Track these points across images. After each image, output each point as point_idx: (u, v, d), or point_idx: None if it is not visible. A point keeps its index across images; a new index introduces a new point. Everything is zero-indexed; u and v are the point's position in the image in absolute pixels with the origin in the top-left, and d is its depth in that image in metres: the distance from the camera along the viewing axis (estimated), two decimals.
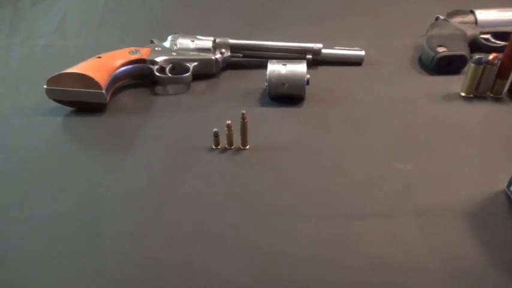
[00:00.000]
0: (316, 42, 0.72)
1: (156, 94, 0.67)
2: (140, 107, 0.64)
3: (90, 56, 0.67)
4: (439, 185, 0.48)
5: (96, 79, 0.60)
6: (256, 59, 0.73)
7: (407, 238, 0.42)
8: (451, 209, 0.45)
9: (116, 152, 0.56)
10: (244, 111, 0.52)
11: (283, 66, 0.62)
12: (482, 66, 0.61)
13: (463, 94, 0.64)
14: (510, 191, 0.46)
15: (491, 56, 0.60)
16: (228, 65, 0.73)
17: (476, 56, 0.60)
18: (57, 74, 0.60)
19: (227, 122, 0.52)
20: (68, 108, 0.63)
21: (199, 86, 0.69)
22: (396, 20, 0.86)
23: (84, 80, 0.60)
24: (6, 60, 0.80)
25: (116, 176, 0.52)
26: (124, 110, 0.64)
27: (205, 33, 0.73)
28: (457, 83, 0.65)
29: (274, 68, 0.62)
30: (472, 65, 0.61)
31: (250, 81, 0.69)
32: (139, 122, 0.61)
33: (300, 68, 0.62)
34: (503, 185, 0.47)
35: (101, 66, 0.63)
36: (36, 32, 0.90)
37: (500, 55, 0.61)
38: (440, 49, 0.69)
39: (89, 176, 0.52)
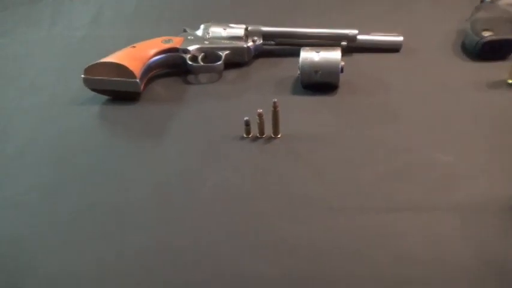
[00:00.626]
0: (351, 29, 0.70)
1: (188, 83, 0.68)
2: (173, 96, 0.65)
3: (125, 46, 0.68)
4: (480, 178, 0.46)
5: (131, 68, 0.61)
6: (289, 46, 0.72)
7: (444, 233, 0.40)
8: (492, 204, 0.42)
9: (148, 141, 0.57)
10: (275, 100, 0.51)
11: (317, 53, 0.60)
12: None
13: (510, 81, 0.60)
14: None
15: None
16: (261, 53, 0.72)
17: None
18: (93, 63, 0.61)
19: (258, 110, 0.52)
20: (105, 97, 0.65)
21: (231, 74, 0.69)
22: (437, 3, 0.81)
23: (119, 69, 0.61)
24: (46, 52, 0.82)
25: (148, 164, 0.52)
26: (157, 98, 0.65)
27: (238, 21, 0.72)
28: (503, 70, 0.61)
29: (307, 55, 0.61)
30: None
31: (283, 70, 0.68)
32: (171, 111, 0.61)
33: (334, 55, 0.60)
34: None
35: (135, 56, 0.63)
36: (74, 24, 0.93)
37: None
38: (486, 33, 0.65)
39: (122, 165, 0.53)
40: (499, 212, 0.41)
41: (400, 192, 0.45)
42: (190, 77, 0.68)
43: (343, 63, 0.60)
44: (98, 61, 0.62)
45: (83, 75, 0.62)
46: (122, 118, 0.61)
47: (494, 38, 0.64)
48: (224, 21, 0.72)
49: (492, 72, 0.62)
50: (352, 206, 0.44)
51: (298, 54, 0.62)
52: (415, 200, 0.44)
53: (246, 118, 0.53)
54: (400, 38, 0.70)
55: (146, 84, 0.66)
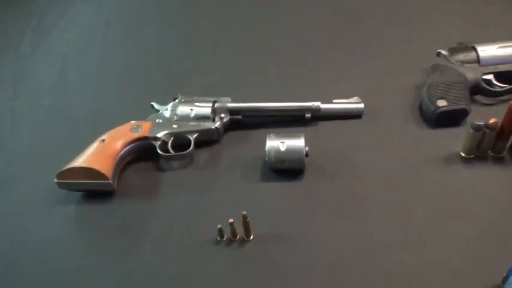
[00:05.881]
0: (314, 101, 0.72)
1: (160, 169, 0.69)
2: (146, 187, 0.67)
3: (93, 116, 0.77)
4: (436, 276, 0.51)
5: (103, 171, 0.62)
6: (256, 118, 0.74)
7: None
8: None
9: (123, 247, 0.59)
10: (245, 212, 0.54)
11: (282, 143, 0.63)
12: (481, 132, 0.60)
13: (463, 154, 0.64)
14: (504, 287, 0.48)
15: (491, 121, 0.60)
16: (230, 126, 0.73)
17: (475, 123, 0.60)
18: (65, 168, 0.63)
19: (230, 220, 0.55)
20: (78, 194, 0.66)
21: (202, 155, 0.70)
22: (396, 55, 0.83)
23: (90, 171, 0.62)
24: (14, 129, 0.81)
25: (121, 276, 0.56)
26: (131, 192, 0.66)
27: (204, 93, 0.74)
28: (458, 138, 0.65)
29: (273, 144, 0.63)
30: (471, 130, 0.61)
31: (252, 146, 0.70)
32: (146, 208, 0.63)
33: (298, 142, 0.63)
34: (498, 279, 0.48)
35: (106, 153, 0.65)
36: (38, 86, 0.91)
37: (499, 120, 0.60)
38: (441, 102, 0.68)
39: (97, 274, 0.56)
40: None
41: None
42: (162, 162, 0.70)
43: (307, 148, 0.63)
44: (69, 166, 0.63)
45: (55, 180, 0.63)
46: (97, 220, 0.63)
47: (448, 108, 0.67)
48: (190, 97, 0.73)
49: (447, 140, 0.66)
50: None
51: (265, 126, 0.67)
52: None
53: (219, 226, 0.56)
54: (361, 105, 0.72)
55: (120, 174, 0.68)
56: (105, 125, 0.73)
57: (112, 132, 0.69)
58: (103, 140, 0.67)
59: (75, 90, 0.88)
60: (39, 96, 0.88)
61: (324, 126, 0.73)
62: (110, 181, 0.63)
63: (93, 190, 0.64)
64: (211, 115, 0.71)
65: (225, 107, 0.72)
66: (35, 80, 0.93)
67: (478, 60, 0.73)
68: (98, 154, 0.64)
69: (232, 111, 0.72)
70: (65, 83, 0.91)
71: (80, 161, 0.63)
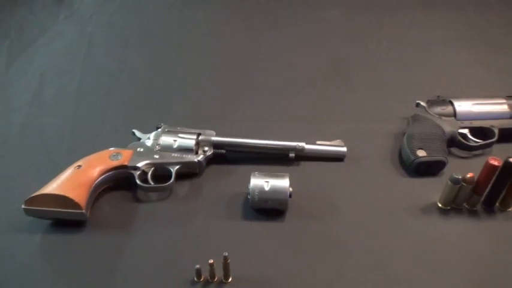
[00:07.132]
0: (298, 141, 0.72)
1: (137, 200, 0.66)
2: (121, 218, 0.63)
3: (68, 138, 0.74)
4: None
5: (76, 200, 0.59)
6: (239, 153, 0.73)
7: None
8: None
9: (92, 283, 0.55)
10: (226, 254, 0.52)
11: (266, 183, 0.62)
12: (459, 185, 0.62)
13: (440, 205, 0.66)
14: None
15: (468, 175, 0.62)
16: (212, 159, 0.72)
17: (454, 176, 0.62)
18: (35, 194, 0.59)
19: (210, 261, 0.53)
20: (46, 222, 0.62)
21: (182, 188, 0.68)
22: (378, 102, 0.86)
23: (63, 199, 0.59)
24: None
25: None
26: (105, 222, 0.63)
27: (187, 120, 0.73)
28: (435, 188, 0.67)
29: (257, 182, 0.62)
30: (450, 183, 0.62)
31: (234, 180, 0.69)
32: (120, 241, 0.60)
33: (282, 183, 0.62)
34: None
35: (80, 181, 0.61)
36: (12, 104, 0.87)
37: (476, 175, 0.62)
38: (420, 153, 0.70)
39: None
40: None
41: None
42: (140, 193, 0.67)
43: (291, 189, 0.63)
44: (41, 192, 0.59)
45: (23, 206, 0.59)
46: (66, 252, 0.59)
47: (427, 159, 0.69)
48: (174, 127, 0.72)
49: (425, 190, 0.68)
50: None
51: (249, 161, 0.67)
52: None
53: (197, 266, 0.54)
54: (344, 149, 0.73)
55: (93, 203, 0.64)
56: (81, 149, 0.70)
57: (89, 158, 0.66)
58: (79, 166, 0.63)
59: (51, 110, 0.85)
60: (11, 115, 0.84)
61: (306, 166, 0.73)
62: (84, 211, 0.59)
63: (63, 219, 0.60)
64: (194, 147, 0.69)
65: (209, 140, 0.71)
66: (7, 96, 0.89)
67: (454, 114, 0.77)
68: (73, 181, 0.61)
69: (216, 145, 0.71)
70: (40, 102, 0.87)
71: (53, 187, 0.59)
